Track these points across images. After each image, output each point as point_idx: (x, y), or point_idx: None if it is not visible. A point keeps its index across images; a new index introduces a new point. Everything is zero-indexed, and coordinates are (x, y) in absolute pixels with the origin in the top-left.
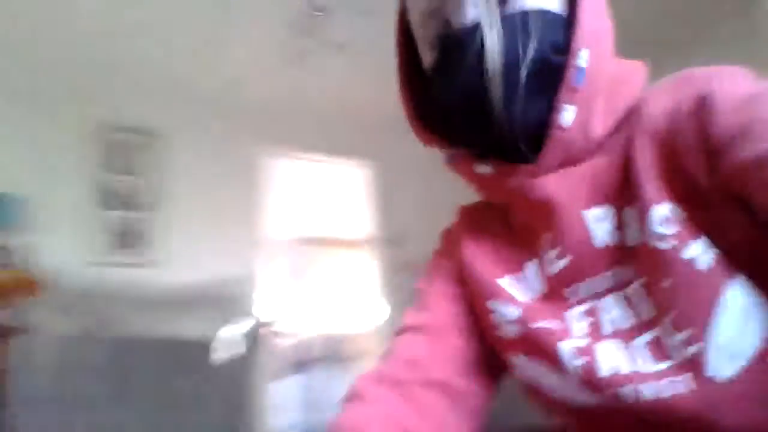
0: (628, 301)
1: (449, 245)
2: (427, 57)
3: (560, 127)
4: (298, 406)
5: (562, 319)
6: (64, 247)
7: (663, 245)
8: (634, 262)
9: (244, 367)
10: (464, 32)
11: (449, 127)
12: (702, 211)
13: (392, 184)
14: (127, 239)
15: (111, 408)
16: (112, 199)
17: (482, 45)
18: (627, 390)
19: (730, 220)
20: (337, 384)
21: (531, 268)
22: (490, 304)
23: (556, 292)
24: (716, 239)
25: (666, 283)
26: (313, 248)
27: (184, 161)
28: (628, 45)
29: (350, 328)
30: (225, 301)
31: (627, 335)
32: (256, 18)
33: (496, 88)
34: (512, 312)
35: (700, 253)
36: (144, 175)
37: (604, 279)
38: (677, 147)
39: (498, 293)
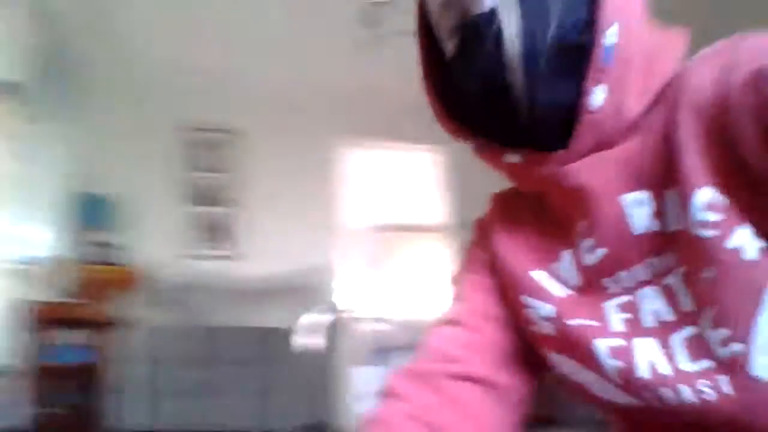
0: (669, 292)
1: (483, 235)
2: (448, 47)
3: (590, 110)
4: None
5: (600, 313)
6: (155, 243)
7: (705, 233)
8: (675, 249)
9: (326, 354)
10: (482, 19)
11: (474, 117)
12: (750, 197)
13: (465, 169)
14: (214, 233)
15: (200, 395)
16: (198, 195)
17: (500, 31)
18: (666, 391)
19: None
20: None
21: (567, 257)
22: (524, 299)
23: (594, 284)
24: (765, 228)
25: (707, 274)
26: (390, 235)
27: (264, 156)
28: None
29: (428, 315)
30: (306, 290)
31: (666, 330)
32: (324, 12)
33: (518, 75)
34: (546, 309)
35: (745, 242)
36: (227, 171)
37: (644, 268)
38: (726, 123)
39: (531, 288)
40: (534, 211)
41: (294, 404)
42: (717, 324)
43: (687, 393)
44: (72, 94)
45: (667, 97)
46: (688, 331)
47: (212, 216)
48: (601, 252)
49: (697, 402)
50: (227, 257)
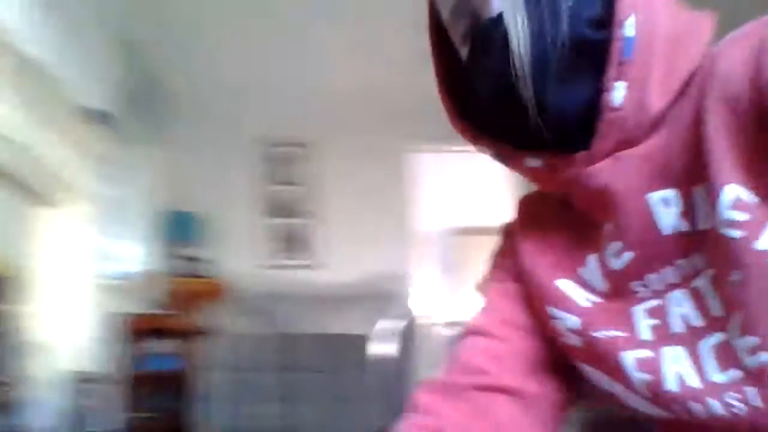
0: (698, 295)
1: (508, 242)
2: (463, 53)
3: (611, 108)
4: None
5: (627, 320)
6: (238, 255)
7: (732, 233)
8: (703, 250)
9: (402, 360)
10: (491, 23)
11: (491, 122)
12: None
13: None
14: (293, 244)
15: (279, 400)
16: (277, 208)
17: (507, 35)
18: (695, 405)
19: None
20: None
21: (593, 262)
22: (550, 311)
23: (622, 288)
24: None
25: (735, 277)
26: (464, 239)
27: (337, 167)
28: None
29: None
30: (382, 297)
31: (695, 337)
32: (386, 20)
33: (527, 79)
34: (572, 320)
35: None
36: (304, 183)
37: (674, 270)
38: (760, 107)
39: (557, 299)
40: (559, 214)
41: (369, 410)
42: (745, 331)
43: (716, 407)
44: (158, 118)
45: (693, 86)
46: (716, 337)
47: (291, 227)
48: (628, 256)
49: (727, 415)
50: (306, 266)
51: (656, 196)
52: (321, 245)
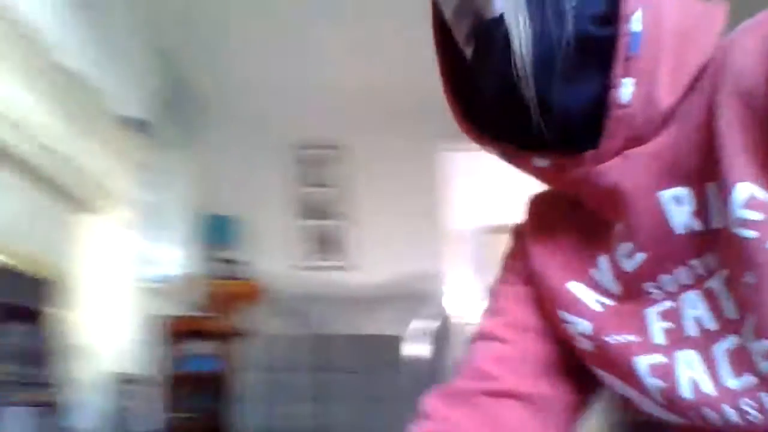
0: (711, 297)
1: (518, 243)
2: (468, 54)
3: (619, 105)
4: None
5: (640, 323)
6: (274, 257)
7: (746, 233)
8: (717, 249)
9: (436, 360)
10: (493, 23)
11: (497, 122)
12: None
13: None
14: (327, 245)
15: (314, 401)
16: (311, 210)
17: (509, 35)
18: (709, 412)
19: None
20: None
21: (604, 263)
22: (561, 314)
23: (635, 290)
24: None
25: (749, 279)
26: (497, 238)
27: (369, 167)
28: None
29: None
30: (416, 297)
31: (708, 340)
32: (418, 20)
33: (531, 79)
34: (583, 325)
35: None
36: (337, 185)
37: (687, 271)
38: None
39: (568, 302)
40: (570, 214)
41: (403, 411)
42: (759, 335)
43: (731, 414)
44: (193, 124)
45: (704, 80)
46: (730, 341)
47: (324, 229)
48: (640, 256)
49: (741, 423)
50: (339, 267)
51: (667, 195)
52: (354, 246)
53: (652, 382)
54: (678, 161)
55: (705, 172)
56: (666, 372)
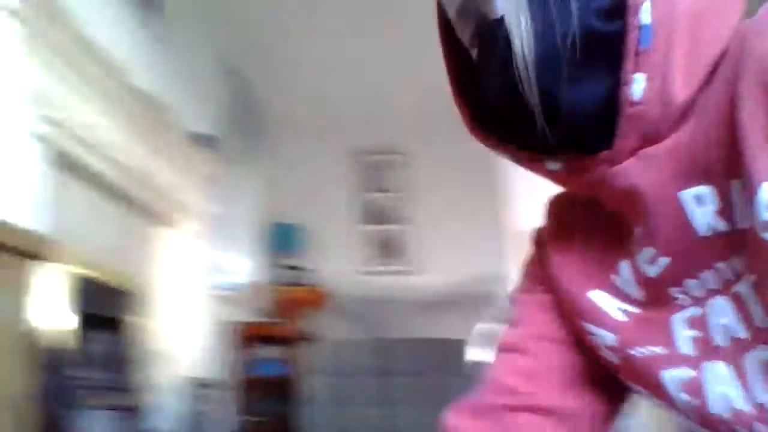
0: (739, 302)
1: (538, 249)
2: (474, 55)
3: (631, 103)
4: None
5: (666, 332)
6: (338, 263)
7: None
8: (743, 252)
9: None
10: (496, 24)
11: (504, 126)
12: None
13: None
14: (390, 250)
15: (379, 404)
16: (374, 215)
17: (510, 36)
18: (741, 430)
19: None
20: None
21: (626, 269)
22: (585, 326)
23: (659, 296)
24: None
25: None
26: None
27: (431, 172)
28: None
29: None
30: (480, 300)
31: (739, 350)
32: None
33: (534, 81)
34: (608, 337)
35: None
36: (399, 190)
37: (714, 274)
38: None
39: (591, 313)
40: (589, 217)
41: None
42: None
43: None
44: (259, 136)
45: (724, 69)
46: (763, 351)
47: (388, 233)
48: (663, 261)
49: None
50: (403, 272)
51: (689, 194)
52: (417, 250)
53: (682, 397)
54: (697, 158)
55: (727, 169)
56: (695, 386)
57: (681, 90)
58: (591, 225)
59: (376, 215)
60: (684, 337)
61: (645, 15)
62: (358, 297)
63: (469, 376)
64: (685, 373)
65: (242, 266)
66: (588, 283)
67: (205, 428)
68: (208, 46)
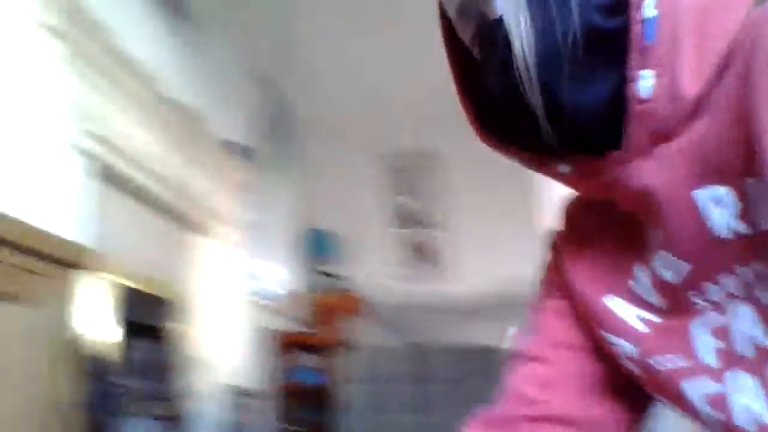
0: (762, 309)
1: (555, 254)
2: (476, 55)
3: (639, 100)
4: None
5: (687, 341)
6: (373, 269)
7: None
8: (764, 255)
9: None
10: (496, 24)
11: (512, 128)
12: None
13: None
14: (424, 255)
15: (416, 411)
16: (407, 220)
17: (509, 36)
18: None
19: None
20: None
21: (642, 274)
22: (605, 335)
23: (678, 302)
24: None
25: None
26: None
27: (463, 175)
28: None
29: None
30: (515, 305)
31: (763, 360)
32: None
33: (535, 83)
34: (627, 348)
35: None
36: (432, 194)
37: (736, 279)
38: None
39: (609, 322)
40: (603, 222)
41: None
42: None
43: None
44: (292, 144)
45: (735, 63)
46: None
47: (422, 238)
48: (681, 265)
49: None
50: (438, 277)
51: (704, 194)
52: (452, 255)
53: (706, 409)
54: (711, 156)
55: (742, 167)
56: (720, 399)
57: (690, 85)
58: (605, 229)
59: (410, 220)
60: (706, 347)
61: (649, 9)
62: (392, 303)
63: (503, 380)
64: (708, 385)
65: (279, 274)
66: (603, 289)
67: None
68: (238, 53)
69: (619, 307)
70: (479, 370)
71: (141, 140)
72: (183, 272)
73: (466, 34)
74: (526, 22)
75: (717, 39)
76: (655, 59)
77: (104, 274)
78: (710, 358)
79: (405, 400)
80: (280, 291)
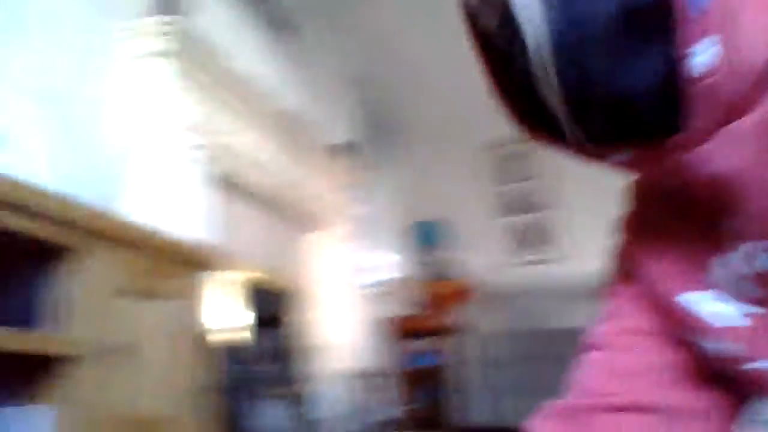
0: None
1: (625, 238)
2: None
3: (697, 78)
4: None
5: None
6: (482, 255)
7: None
8: None
9: None
10: (515, 10)
11: (555, 123)
12: None
13: None
14: (531, 239)
15: (531, 393)
16: (514, 205)
17: (538, 24)
18: None
19: None
20: None
21: (719, 269)
22: (686, 335)
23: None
24: None
25: None
26: None
27: (568, 158)
28: None
29: None
30: None
31: None
32: None
33: (560, 68)
34: (712, 346)
35: None
36: (537, 178)
37: None
38: None
39: (691, 322)
40: (672, 207)
41: None
42: None
43: None
44: (394, 140)
45: None
46: None
47: (531, 222)
48: (764, 256)
49: None
50: (548, 260)
51: None
52: (563, 237)
53: None
54: None
55: None
56: None
57: (757, 52)
58: (675, 215)
59: (518, 205)
60: None
61: None
62: (506, 287)
63: None
64: None
65: (390, 263)
66: (679, 285)
67: (367, 416)
68: (340, 59)
69: (699, 303)
70: None
71: (256, 148)
72: (301, 266)
73: (491, 23)
74: (544, 7)
75: None
76: (711, 29)
77: (232, 272)
78: None
79: (519, 382)
80: (392, 279)
